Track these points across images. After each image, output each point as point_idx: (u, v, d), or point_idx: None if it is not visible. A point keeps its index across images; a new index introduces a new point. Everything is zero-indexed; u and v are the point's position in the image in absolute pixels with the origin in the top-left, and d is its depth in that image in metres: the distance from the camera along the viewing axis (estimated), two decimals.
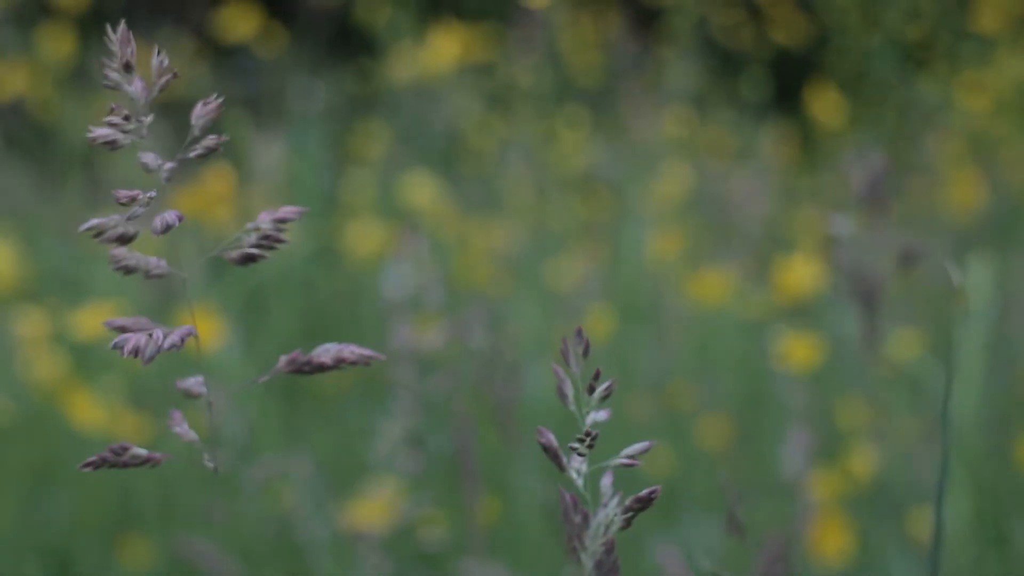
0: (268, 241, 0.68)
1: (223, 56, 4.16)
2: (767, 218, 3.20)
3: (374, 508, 1.75)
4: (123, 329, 0.67)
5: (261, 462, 1.85)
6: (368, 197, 2.98)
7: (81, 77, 3.46)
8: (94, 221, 0.66)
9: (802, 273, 2.33)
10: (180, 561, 1.85)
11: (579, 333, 0.64)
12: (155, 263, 0.67)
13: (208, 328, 2.14)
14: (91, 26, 3.59)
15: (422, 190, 2.84)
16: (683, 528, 1.94)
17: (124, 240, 0.66)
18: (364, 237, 2.62)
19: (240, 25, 3.70)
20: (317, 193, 2.95)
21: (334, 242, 2.74)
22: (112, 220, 0.67)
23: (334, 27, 3.85)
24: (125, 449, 0.66)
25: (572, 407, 0.64)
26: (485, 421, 2.03)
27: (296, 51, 3.81)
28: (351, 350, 0.69)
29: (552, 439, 0.64)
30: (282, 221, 0.69)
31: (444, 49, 3.28)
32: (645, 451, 0.64)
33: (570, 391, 0.64)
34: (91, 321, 2.18)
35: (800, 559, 1.88)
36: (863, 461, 2.08)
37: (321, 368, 0.69)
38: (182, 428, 0.67)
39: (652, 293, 2.67)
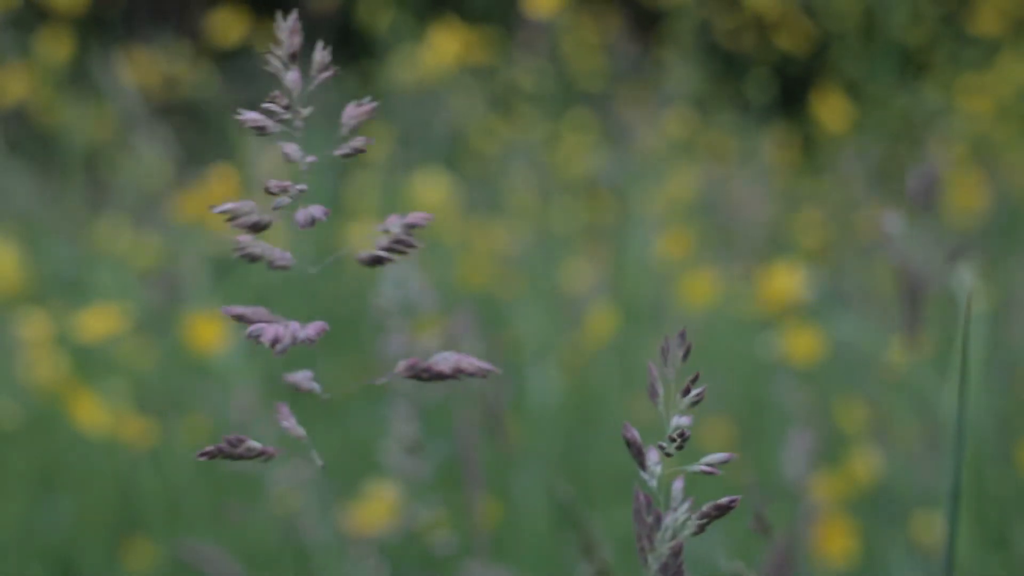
0: (399, 245, 0.69)
1: (224, 60, 4.16)
2: (769, 221, 3.20)
3: (378, 511, 1.75)
4: (242, 318, 0.68)
5: (268, 466, 1.85)
6: (371, 200, 2.99)
7: (81, 81, 3.46)
8: (229, 205, 0.66)
9: (787, 280, 2.32)
10: (184, 564, 1.85)
11: (682, 336, 0.64)
12: (279, 254, 0.68)
13: (211, 331, 2.14)
14: (90, 30, 3.59)
15: (432, 189, 2.84)
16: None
17: (258, 228, 0.67)
18: (367, 240, 2.62)
19: (238, 29, 3.70)
20: (320, 196, 2.95)
21: (337, 245, 2.74)
22: (246, 206, 0.67)
23: (336, 30, 3.85)
24: (241, 441, 0.66)
25: (660, 407, 0.64)
26: (488, 424, 2.03)
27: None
28: (469, 361, 0.69)
29: (636, 435, 0.64)
30: (413, 226, 0.69)
31: (446, 51, 3.28)
32: (725, 461, 0.64)
33: (661, 391, 0.64)
34: (94, 323, 2.18)
35: (804, 562, 1.88)
36: (865, 464, 2.08)
37: (439, 376, 0.69)
38: (289, 423, 0.67)
39: (655, 295, 2.67)
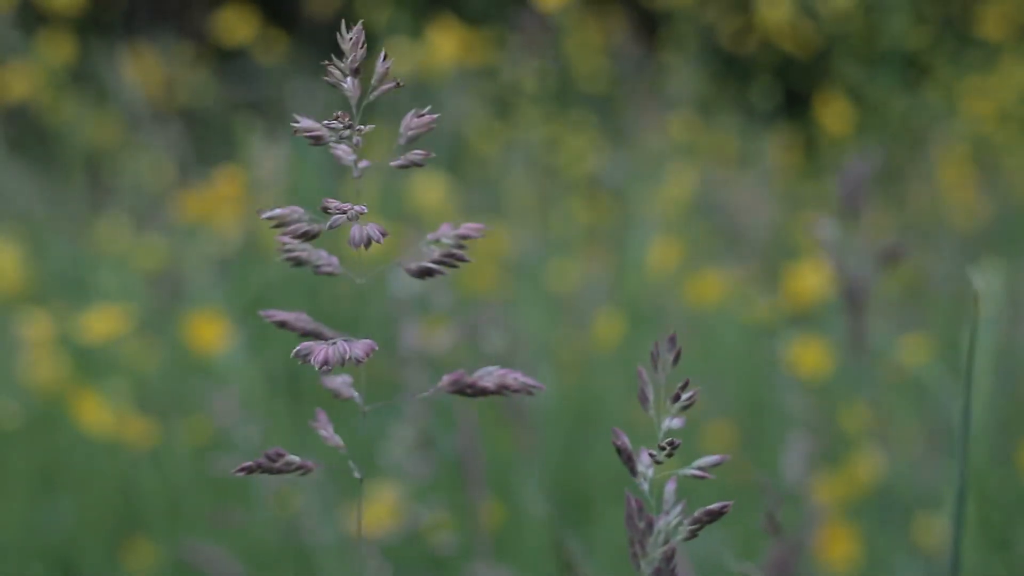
0: (450, 259, 0.67)
1: (225, 61, 4.16)
2: (771, 224, 3.20)
3: (381, 512, 1.74)
4: (284, 324, 0.67)
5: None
6: (371, 200, 2.98)
7: (85, 81, 3.46)
8: (278, 211, 0.65)
9: (811, 280, 2.32)
10: (185, 565, 1.85)
11: (672, 340, 0.63)
12: (326, 258, 0.67)
13: (213, 331, 2.14)
14: (91, 30, 3.59)
15: (431, 191, 2.84)
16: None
17: (308, 237, 0.66)
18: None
19: (240, 30, 3.70)
20: (320, 196, 2.94)
21: (338, 245, 2.74)
22: (296, 212, 0.66)
23: (335, 31, 3.85)
24: (280, 456, 0.65)
25: (651, 412, 0.63)
26: (492, 425, 2.03)
27: (297, 55, 3.81)
28: (515, 377, 0.68)
29: (627, 441, 0.63)
30: (464, 237, 0.67)
31: (446, 51, 3.28)
32: (717, 464, 0.63)
33: (652, 396, 0.64)
34: (96, 324, 2.18)
35: (806, 564, 1.88)
36: (868, 466, 2.08)
37: (483, 392, 0.68)
38: (327, 431, 0.67)
39: (656, 298, 2.67)
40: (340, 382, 0.70)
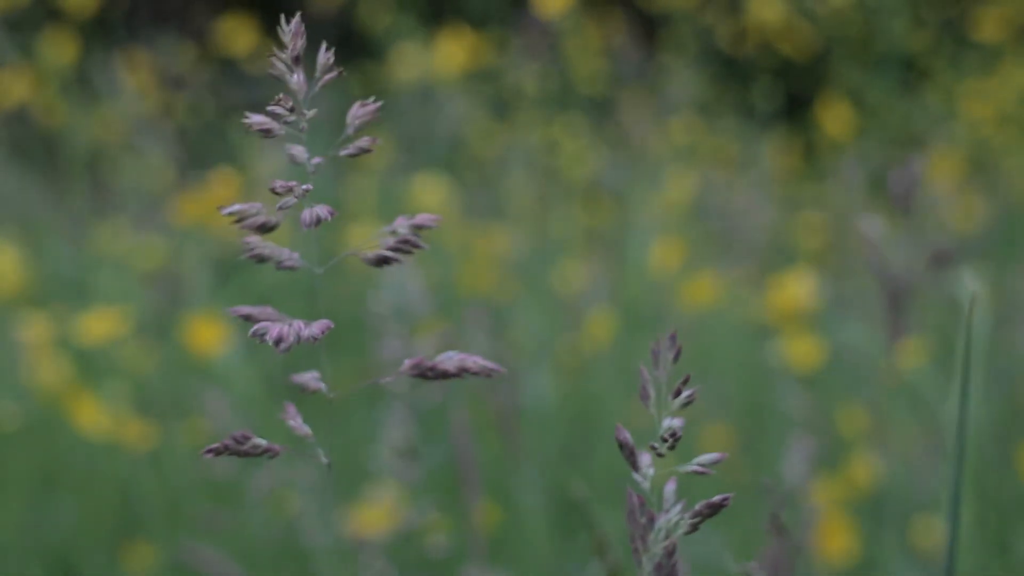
0: (406, 245, 0.69)
1: (225, 63, 4.16)
2: (769, 226, 3.20)
3: (377, 514, 1.75)
4: (249, 317, 0.68)
5: (266, 468, 1.86)
6: (371, 203, 2.99)
7: (85, 83, 3.47)
8: (237, 207, 0.67)
9: (798, 289, 2.33)
10: (184, 567, 1.85)
11: (672, 338, 0.64)
12: (287, 255, 0.69)
13: (212, 333, 2.14)
14: (94, 33, 3.59)
15: (432, 193, 2.84)
16: (690, 536, 1.94)
17: (266, 229, 0.68)
18: (369, 242, 2.62)
19: (239, 40, 3.70)
20: (319, 199, 2.94)
21: (338, 248, 2.74)
22: (254, 207, 0.68)
23: (336, 33, 3.85)
24: (247, 438, 0.67)
25: (652, 410, 0.64)
26: (485, 428, 2.03)
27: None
28: (474, 360, 0.69)
29: (628, 436, 0.64)
30: (419, 227, 0.69)
31: (448, 54, 3.29)
32: (717, 461, 0.64)
33: (653, 393, 0.64)
34: (95, 326, 2.18)
35: (804, 565, 1.88)
36: (865, 468, 2.08)
37: (444, 375, 0.69)
38: (296, 422, 0.68)
39: (655, 300, 2.67)
40: (309, 377, 0.72)
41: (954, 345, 2.14)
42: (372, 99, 0.69)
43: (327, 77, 0.67)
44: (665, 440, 0.64)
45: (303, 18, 0.69)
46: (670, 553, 0.64)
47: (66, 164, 3.14)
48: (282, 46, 0.67)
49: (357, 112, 0.68)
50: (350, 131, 0.68)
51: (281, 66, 0.67)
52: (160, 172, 3.14)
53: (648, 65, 3.89)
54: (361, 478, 1.95)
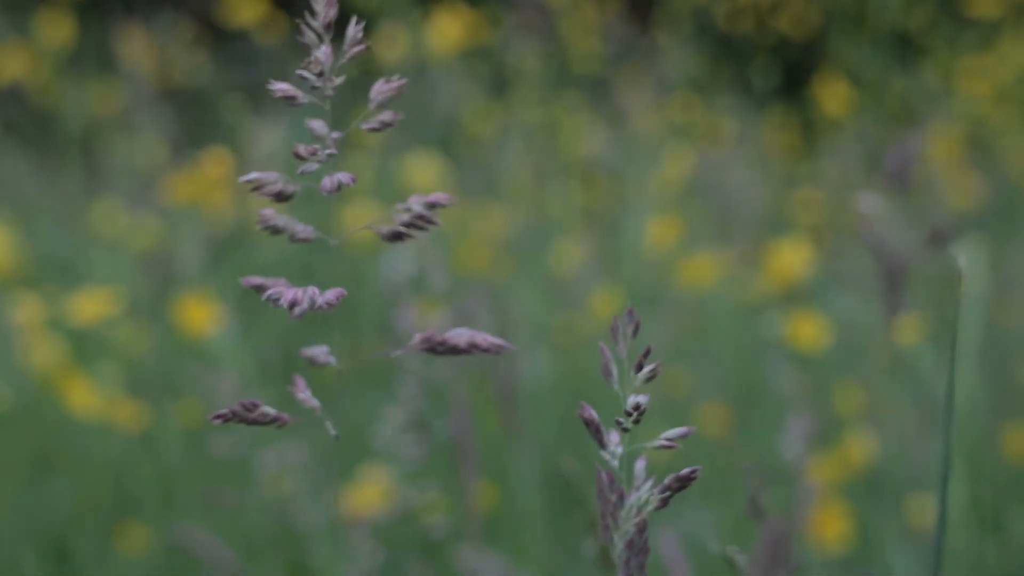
0: (421, 221, 0.69)
1: (223, 42, 4.15)
2: (766, 204, 3.20)
3: (371, 495, 1.74)
4: (260, 287, 0.68)
5: (262, 449, 1.85)
6: (366, 182, 2.98)
7: (79, 62, 3.46)
8: (255, 175, 0.67)
9: (792, 258, 2.32)
10: (178, 549, 1.85)
11: (630, 313, 0.64)
12: (301, 228, 0.69)
13: (206, 314, 2.14)
14: (89, 11, 3.58)
15: (424, 171, 2.83)
16: (683, 515, 1.94)
17: (282, 197, 0.68)
18: (362, 222, 2.61)
19: (243, 12, 3.69)
20: (316, 178, 2.94)
21: (332, 227, 2.74)
22: (271, 176, 0.68)
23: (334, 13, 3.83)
24: (256, 406, 0.66)
25: (616, 387, 0.64)
26: (485, 407, 2.03)
27: (295, 37, 3.80)
28: (484, 337, 0.69)
29: (594, 414, 0.64)
30: (433, 205, 0.69)
31: (443, 32, 3.28)
32: (685, 435, 0.64)
33: (615, 371, 0.64)
34: (88, 307, 2.17)
35: (800, 545, 1.88)
36: (861, 447, 2.08)
37: (455, 350, 0.69)
38: (305, 395, 0.68)
39: (652, 278, 2.66)
40: (318, 350, 0.72)
41: (950, 322, 2.14)
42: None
43: (355, 49, 0.67)
44: (630, 415, 0.63)
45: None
46: (641, 529, 0.63)
47: (60, 144, 3.13)
48: (313, 14, 0.67)
49: (381, 88, 0.68)
50: (373, 106, 0.68)
51: (311, 35, 0.67)
52: (154, 151, 3.13)
53: (643, 43, 3.88)
54: (358, 458, 1.95)
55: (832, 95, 3.53)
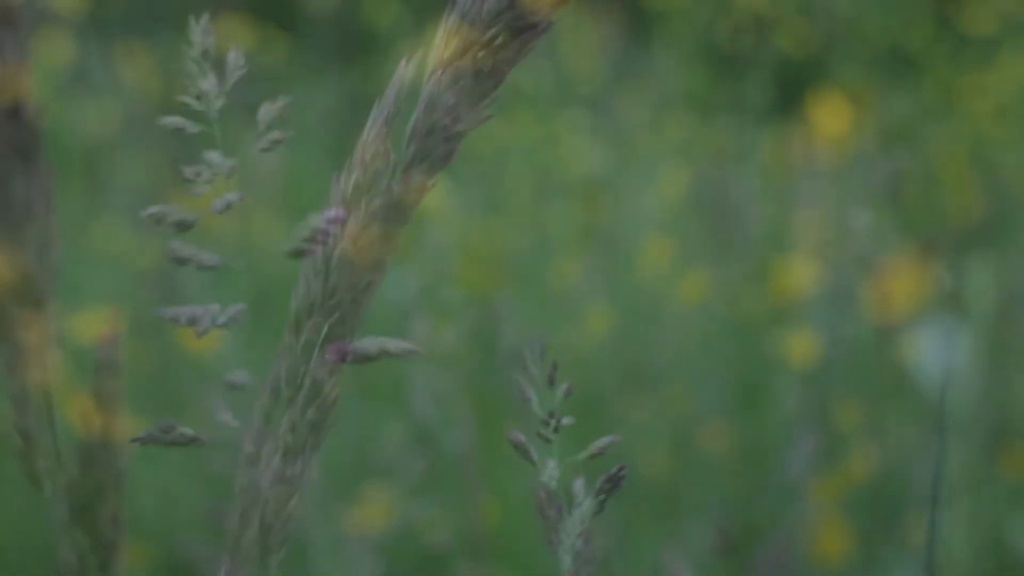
0: (319, 236, 0.70)
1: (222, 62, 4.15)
2: (766, 221, 3.20)
3: (375, 510, 1.75)
4: (173, 317, 0.69)
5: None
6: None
7: (80, 82, 3.46)
8: (155, 208, 0.68)
9: (800, 274, 2.33)
10: (179, 563, 1.85)
11: (537, 339, 0.65)
12: (207, 256, 0.70)
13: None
14: (89, 30, 3.59)
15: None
16: (684, 532, 1.94)
17: (183, 227, 0.69)
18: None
19: (239, 39, 3.70)
20: (318, 195, 2.94)
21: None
22: (171, 208, 0.69)
23: (335, 31, 3.85)
24: (172, 427, 0.67)
25: (536, 409, 0.65)
26: (489, 421, 2.03)
27: (296, 56, 3.81)
28: (395, 344, 0.70)
29: (521, 437, 0.65)
30: (332, 220, 0.70)
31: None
32: (611, 444, 0.65)
33: (533, 395, 0.65)
34: (90, 325, 2.18)
35: (801, 561, 1.88)
36: (862, 463, 2.08)
37: (366, 358, 0.70)
38: (226, 416, 0.68)
39: (651, 295, 2.67)
40: (239, 376, 0.73)
41: (951, 336, 2.14)
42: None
43: (236, 74, 0.67)
44: (548, 424, 0.64)
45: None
46: (587, 540, 0.64)
47: (61, 163, 3.14)
48: (191, 43, 0.68)
49: (268, 108, 0.70)
50: (262, 127, 0.69)
51: (192, 65, 0.68)
52: (154, 170, 3.14)
53: (643, 60, 3.89)
54: (358, 474, 1.95)
55: (832, 112, 3.54)
